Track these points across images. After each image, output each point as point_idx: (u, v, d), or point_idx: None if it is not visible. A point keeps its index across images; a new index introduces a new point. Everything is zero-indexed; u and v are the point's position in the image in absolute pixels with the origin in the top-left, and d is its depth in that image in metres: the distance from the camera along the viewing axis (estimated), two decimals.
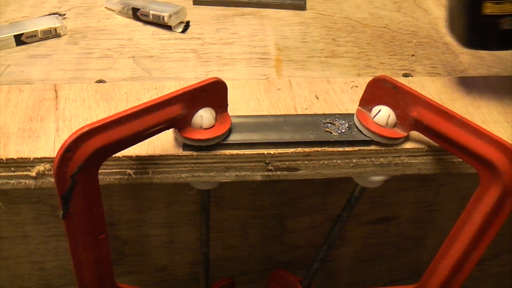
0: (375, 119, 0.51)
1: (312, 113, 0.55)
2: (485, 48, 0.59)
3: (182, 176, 0.50)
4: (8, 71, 0.63)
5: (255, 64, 0.66)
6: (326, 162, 0.51)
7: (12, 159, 0.48)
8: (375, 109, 0.51)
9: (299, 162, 0.51)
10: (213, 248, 0.69)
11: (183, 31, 0.73)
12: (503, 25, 0.55)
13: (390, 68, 0.66)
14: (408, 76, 0.63)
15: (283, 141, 0.50)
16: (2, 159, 0.47)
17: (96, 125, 0.42)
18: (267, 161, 0.50)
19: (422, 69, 0.65)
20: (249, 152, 0.50)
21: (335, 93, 0.58)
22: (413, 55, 0.68)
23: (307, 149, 0.50)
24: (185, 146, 0.49)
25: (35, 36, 0.68)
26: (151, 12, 0.73)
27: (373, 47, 0.70)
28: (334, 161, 0.51)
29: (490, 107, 0.57)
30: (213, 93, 0.48)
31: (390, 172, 0.53)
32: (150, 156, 0.49)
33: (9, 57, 0.66)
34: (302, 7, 0.79)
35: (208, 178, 0.51)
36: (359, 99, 0.52)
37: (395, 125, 0.51)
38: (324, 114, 0.54)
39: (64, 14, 0.75)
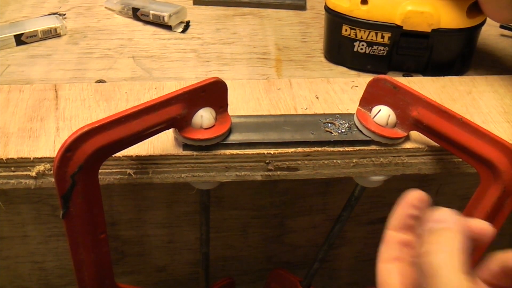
0: (375, 119, 0.51)
1: (312, 113, 0.55)
2: (341, 65, 0.66)
3: (182, 176, 0.50)
4: (8, 71, 0.63)
5: (255, 64, 0.66)
6: (326, 162, 0.51)
7: (12, 159, 0.48)
8: (375, 109, 0.51)
9: (299, 162, 0.51)
10: (213, 248, 0.69)
11: (183, 31, 0.73)
12: (356, 47, 0.63)
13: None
14: (408, 76, 0.63)
15: (283, 141, 0.50)
16: (2, 159, 0.47)
17: (96, 125, 0.42)
18: (267, 161, 0.50)
19: None
20: (249, 152, 0.50)
21: (335, 93, 0.58)
22: None
23: (307, 149, 0.50)
24: (185, 146, 0.49)
25: (35, 36, 0.68)
26: (151, 12, 0.73)
27: None
28: (334, 161, 0.51)
29: (490, 107, 0.57)
30: (213, 93, 0.48)
31: (390, 172, 0.53)
32: (150, 156, 0.49)
33: (9, 57, 0.66)
34: (302, 7, 0.79)
35: (208, 178, 0.51)
36: (359, 99, 0.52)
37: (395, 125, 0.51)
38: (324, 114, 0.54)
39: (64, 14, 0.75)
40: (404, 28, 0.60)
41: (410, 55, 0.63)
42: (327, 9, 0.64)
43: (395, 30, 0.61)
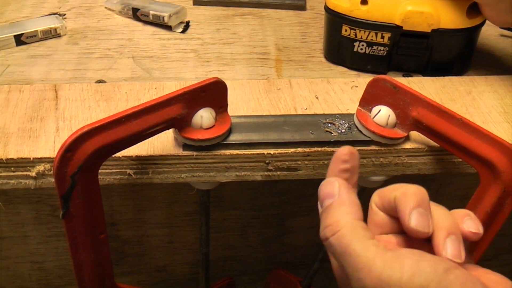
0: (375, 119, 0.51)
1: (312, 113, 0.55)
2: (341, 64, 0.66)
3: (182, 176, 0.50)
4: (8, 71, 0.63)
5: (255, 64, 0.66)
6: (326, 162, 0.51)
7: (12, 159, 0.48)
8: (375, 109, 0.51)
9: (299, 162, 0.51)
10: (213, 248, 0.69)
11: (183, 31, 0.73)
12: (356, 47, 0.63)
13: None
14: (408, 76, 0.63)
15: (283, 141, 0.50)
16: (2, 159, 0.47)
17: (96, 125, 0.42)
18: (267, 161, 0.50)
19: None
20: (249, 152, 0.50)
21: (335, 93, 0.58)
22: None
23: (307, 149, 0.50)
24: (185, 146, 0.49)
25: (35, 36, 0.68)
26: (151, 12, 0.73)
27: None
28: None
29: (490, 107, 0.57)
30: (213, 93, 0.48)
31: (390, 172, 0.53)
32: (150, 156, 0.49)
33: (9, 57, 0.66)
34: (302, 7, 0.79)
35: (208, 178, 0.51)
36: (359, 99, 0.52)
37: (395, 125, 0.51)
38: (324, 114, 0.54)
39: (64, 14, 0.75)
40: (404, 28, 0.60)
41: (410, 55, 0.63)
42: (327, 9, 0.64)
43: (395, 30, 0.61)
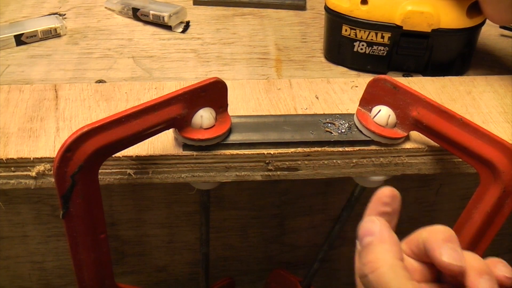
0: (375, 119, 0.51)
1: (312, 113, 0.55)
2: (341, 64, 0.66)
3: (182, 176, 0.50)
4: (8, 71, 0.63)
5: (255, 64, 0.66)
6: (326, 162, 0.51)
7: (12, 159, 0.48)
8: (375, 109, 0.51)
9: (299, 162, 0.51)
10: (213, 248, 0.69)
11: (183, 31, 0.73)
12: (356, 47, 0.63)
13: None
14: (408, 76, 0.63)
15: (283, 141, 0.50)
16: (2, 159, 0.47)
17: (96, 125, 0.42)
18: (267, 161, 0.50)
19: None
20: (249, 152, 0.50)
21: (335, 93, 0.58)
22: None
23: (307, 149, 0.50)
24: (185, 146, 0.49)
25: (35, 36, 0.68)
26: (151, 12, 0.73)
27: None
28: (334, 161, 0.51)
29: (490, 107, 0.57)
30: (213, 93, 0.48)
31: (390, 172, 0.53)
32: (150, 156, 0.49)
33: (9, 57, 0.66)
34: (302, 7, 0.79)
35: (208, 178, 0.51)
36: (359, 99, 0.52)
37: (395, 125, 0.51)
38: (324, 114, 0.54)
39: (64, 14, 0.75)
40: (404, 28, 0.60)
41: (410, 55, 0.63)
42: (327, 9, 0.64)
43: (395, 30, 0.61)
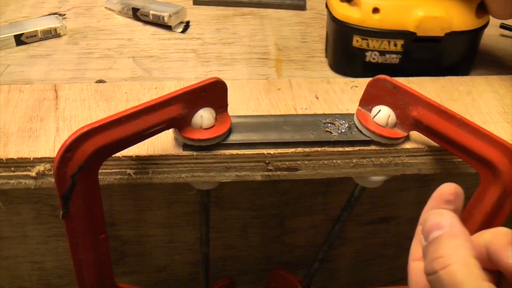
0: (375, 119, 0.51)
1: (312, 113, 0.55)
2: (351, 76, 0.64)
3: (182, 176, 0.50)
4: (8, 71, 0.63)
5: (255, 64, 0.66)
6: (326, 162, 0.51)
7: (12, 159, 0.48)
8: (375, 109, 0.51)
9: (299, 162, 0.51)
10: (213, 248, 0.69)
11: (183, 31, 0.73)
12: (368, 57, 0.61)
13: None
14: (408, 76, 0.63)
15: (283, 141, 0.50)
16: (2, 159, 0.47)
17: (96, 125, 0.42)
18: (267, 161, 0.50)
19: None
20: (249, 152, 0.50)
21: (335, 93, 0.58)
22: None
23: (307, 149, 0.50)
24: (185, 146, 0.49)
25: (35, 36, 0.68)
26: (151, 12, 0.73)
27: None
28: (334, 161, 0.51)
29: (490, 107, 0.57)
30: (213, 93, 0.48)
31: (390, 172, 0.53)
32: (150, 156, 0.49)
33: (9, 57, 0.66)
34: (302, 7, 0.79)
35: (208, 178, 0.51)
36: (359, 99, 0.52)
37: (395, 125, 0.51)
38: (324, 114, 0.54)
39: (64, 14, 0.75)
40: (417, 34, 0.59)
41: (422, 60, 0.62)
42: (335, 20, 0.62)
43: (408, 36, 0.59)
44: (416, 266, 0.37)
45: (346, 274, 0.80)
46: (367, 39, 0.60)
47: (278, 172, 0.51)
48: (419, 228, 0.38)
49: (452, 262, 0.32)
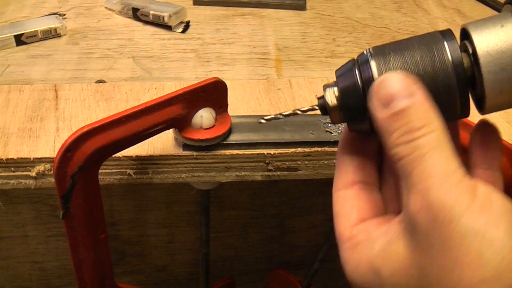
0: None
1: (312, 113, 0.54)
2: None
3: (182, 176, 0.50)
4: (8, 71, 0.63)
5: (255, 64, 0.66)
6: (326, 162, 0.51)
7: (12, 159, 0.48)
8: None
9: (299, 162, 0.51)
10: (213, 248, 0.69)
11: (183, 31, 0.73)
12: None
13: None
14: None
15: (283, 141, 0.50)
16: (2, 159, 0.47)
17: (96, 125, 0.42)
18: (267, 161, 0.51)
19: None
20: (249, 152, 0.50)
21: None
22: None
23: (307, 149, 0.50)
24: (185, 146, 0.49)
25: (35, 36, 0.68)
26: (151, 12, 0.73)
27: None
28: (334, 161, 0.51)
29: None
30: (213, 93, 0.48)
31: None
32: (150, 156, 0.49)
33: (9, 57, 0.66)
34: (302, 7, 0.79)
35: (208, 178, 0.51)
36: None
37: None
38: None
39: (64, 14, 0.75)
40: None
41: None
42: None
43: None
44: (346, 159, 0.35)
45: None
46: None
47: (278, 172, 0.51)
48: (339, 158, 0.35)
49: (428, 132, 0.29)
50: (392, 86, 0.29)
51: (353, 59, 0.34)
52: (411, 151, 0.28)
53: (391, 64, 0.32)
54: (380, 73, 0.31)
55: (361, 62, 0.33)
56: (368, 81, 0.32)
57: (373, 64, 0.32)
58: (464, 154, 0.35)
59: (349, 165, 0.35)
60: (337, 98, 0.33)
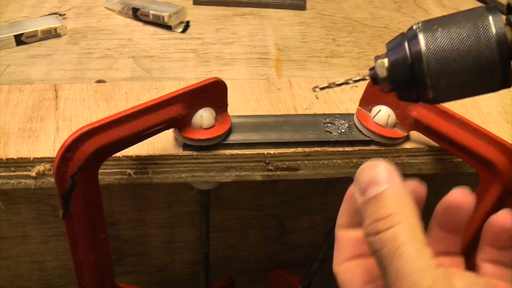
0: (375, 119, 0.51)
1: (312, 113, 0.55)
2: None
3: (182, 176, 0.50)
4: (8, 71, 0.63)
5: (255, 64, 0.66)
6: (326, 162, 0.51)
7: (12, 159, 0.48)
8: (375, 109, 0.51)
9: (299, 162, 0.51)
10: (213, 248, 0.69)
11: (183, 31, 0.73)
12: None
13: None
14: None
15: (283, 141, 0.50)
16: (2, 159, 0.47)
17: (96, 125, 0.42)
18: (267, 161, 0.50)
19: None
20: (249, 152, 0.50)
21: (335, 93, 0.58)
22: None
23: (307, 149, 0.50)
24: (185, 146, 0.49)
25: (35, 36, 0.68)
26: (151, 12, 0.73)
27: (373, 47, 0.70)
28: (334, 161, 0.51)
29: (490, 107, 0.57)
30: (213, 93, 0.48)
31: None
32: (150, 156, 0.49)
33: (9, 57, 0.66)
34: (302, 7, 0.79)
35: (208, 178, 0.51)
36: (359, 99, 0.52)
37: (395, 125, 0.51)
38: (324, 114, 0.54)
39: (64, 14, 0.75)
40: None
41: None
42: None
43: None
44: (345, 235, 0.36)
45: None
46: None
47: (278, 172, 0.51)
48: (348, 193, 0.36)
49: (397, 222, 0.29)
50: (369, 173, 0.31)
51: (403, 32, 0.36)
52: (381, 246, 0.29)
53: (438, 41, 0.33)
54: (427, 48, 0.34)
55: (410, 37, 0.35)
56: (416, 54, 0.34)
57: (421, 39, 0.34)
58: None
59: (348, 240, 0.36)
60: (387, 70, 0.36)
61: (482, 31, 0.33)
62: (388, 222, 0.29)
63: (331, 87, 0.39)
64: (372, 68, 0.37)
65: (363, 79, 0.39)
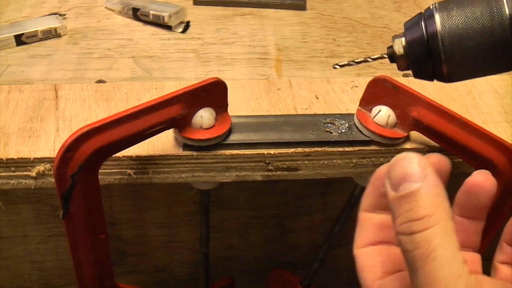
0: (375, 119, 0.51)
1: (312, 113, 0.55)
2: None
3: (182, 176, 0.50)
4: (8, 71, 0.63)
5: (255, 64, 0.66)
6: (326, 162, 0.51)
7: (12, 159, 0.48)
8: (375, 109, 0.51)
9: (299, 162, 0.51)
10: (213, 248, 0.69)
11: (183, 31, 0.73)
12: None
13: (390, 68, 0.66)
14: (408, 76, 0.63)
15: (283, 141, 0.50)
16: (2, 159, 0.47)
17: (96, 125, 0.42)
18: (267, 161, 0.50)
19: None
20: (249, 152, 0.50)
21: (335, 93, 0.58)
22: None
23: (307, 149, 0.50)
24: (185, 146, 0.49)
25: (35, 36, 0.68)
26: (151, 12, 0.73)
27: (373, 47, 0.70)
28: (334, 161, 0.51)
29: (490, 107, 0.57)
30: (213, 93, 0.48)
31: None
32: (150, 156, 0.49)
33: (9, 57, 0.66)
34: (302, 7, 0.79)
35: (208, 178, 0.51)
36: (359, 99, 0.52)
37: (395, 125, 0.51)
38: (324, 114, 0.54)
39: (64, 14, 0.75)
40: None
41: None
42: None
43: None
44: (368, 218, 0.35)
45: (346, 274, 0.80)
46: None
47: (278, 172, 0.51)
48: (375, 176, 0.34)
49: (433, 224, 0.28)
50: (403, 167, 0.29)
51: (421, 13, 0.38)
52: (414, 247, 0.28)
53: (453, 19, 0.35)
54: (442, 26, 0.36)
55: (427, 16, 0.37)
56: (433, 34, 0.36)
57: (437, 18, 0.36)
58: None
59: (371, 224, 0.35)
60: (404, 48, 0.38)
61: (496, 10, 0.35)
62: (422, 224, 0.28)
63: (351, 65, 0.43)
64: (390, 47, 0.39)
65: (382, 57, 0.41)
